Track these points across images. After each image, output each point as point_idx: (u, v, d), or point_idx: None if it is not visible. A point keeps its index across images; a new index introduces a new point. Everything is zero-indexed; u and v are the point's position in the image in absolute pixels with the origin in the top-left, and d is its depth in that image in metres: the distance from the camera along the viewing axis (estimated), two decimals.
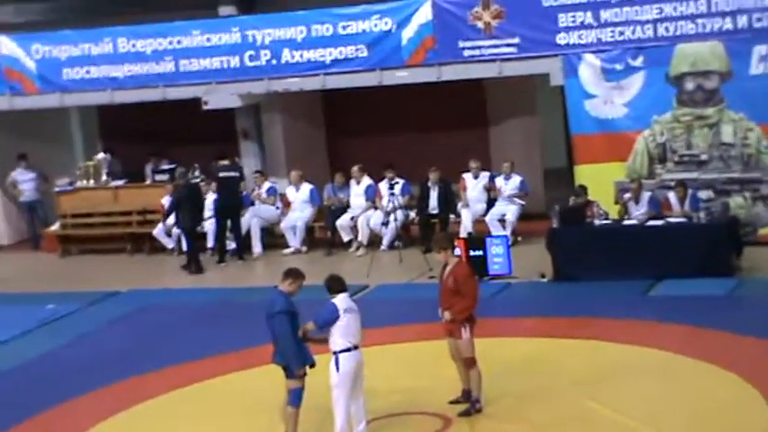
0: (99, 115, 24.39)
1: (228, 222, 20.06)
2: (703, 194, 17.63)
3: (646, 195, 17.25)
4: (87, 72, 21.75)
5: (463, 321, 11.28)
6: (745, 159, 17.67)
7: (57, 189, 22.46)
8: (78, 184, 22.52)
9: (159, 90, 21.33)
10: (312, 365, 10.81)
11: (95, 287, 18.91)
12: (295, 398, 10.81)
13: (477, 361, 11.38)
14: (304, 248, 20.29)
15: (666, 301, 14.96)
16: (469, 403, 11.40)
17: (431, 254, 17.74)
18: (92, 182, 22.38)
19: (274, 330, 10.72)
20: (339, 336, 10.59)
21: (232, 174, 20.12)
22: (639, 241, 16.17)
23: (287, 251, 20.25)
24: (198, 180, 20.70)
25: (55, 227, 22.50)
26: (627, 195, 17.36)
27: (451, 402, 11.58)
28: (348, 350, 10.59)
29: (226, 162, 20.27)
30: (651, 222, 16.48)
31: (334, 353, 10.61)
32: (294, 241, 20.31)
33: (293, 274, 10.90)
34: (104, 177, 22.39)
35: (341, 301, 10.70)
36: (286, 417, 10.90)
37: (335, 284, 10.83)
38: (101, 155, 22.77)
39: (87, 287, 18.95)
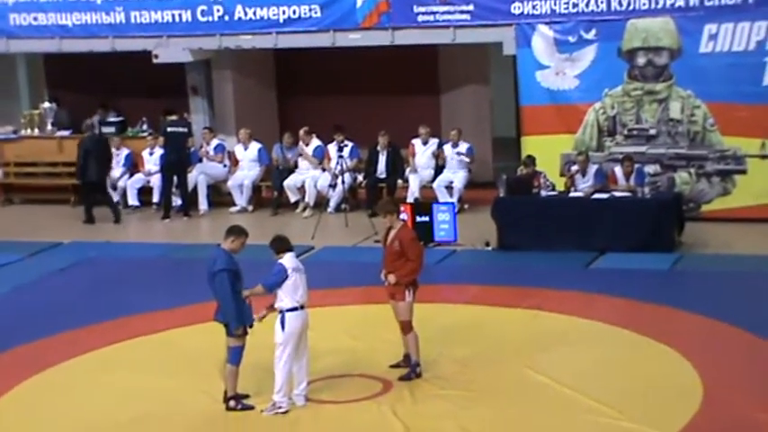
0: (46, 64, 24.07)
1: (175, 178, 19.93)
2: (650, 169, 17.80)
3: (592, 168, 17.36)
4: (35, 19, 21.45)
5: (407, 285, 11.32)
6: (692, 136, 17.84)
7: (0, 137, 22.18)
8: (22, 132, 22.26)
9: (109, 41, 21.09)
10: (251, 326, 10.80)
11: (37, 238, 18.74)
12: (234, 356, 10.81)
13: (414, 325, 11.43)
14: (250, 207, 20.25)
15: (608, 274, 15.10)
16: (409, 368, 11.46)
17: (377, 218, 17.80)
18: (36, 131, 22.14)
19: (215, 289, 10.70)
20: (286, 295, 10.60)
21: (180, 129, 19.99)
22: (584, 214, 16.28)
23: (233, 209, 20.20)
24: (112, 132, 20.87)
25: None
26: (574, 168, 17.46)
27: (392, 366, 11.64)
28: (295, 309, 10.60)
29: (174, 117, 20.13)
30: (596, 196, 16.60)
31: (281, 311, 10.62)
32: (240, 200, 20.26)
33: (235, 232, 10.85)
34: (49, 127, 22.15)
35: (288, 260, 10.69)
36: (225, 374, 10.90)
37: (281, 244, 10.83)
38: (46, 104, 22.52)
39: (29, 237, 18.79)
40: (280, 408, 10.66)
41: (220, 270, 10.63)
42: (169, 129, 19.93)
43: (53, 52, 21.93)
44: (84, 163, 19.80)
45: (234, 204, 20.28)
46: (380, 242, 11.85)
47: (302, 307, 10.66)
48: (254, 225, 19.36)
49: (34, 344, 13.17)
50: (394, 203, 12.19)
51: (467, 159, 19.19)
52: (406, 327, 11.43)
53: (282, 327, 10.61)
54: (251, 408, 10.91)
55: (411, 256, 11.27)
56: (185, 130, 20.12)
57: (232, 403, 10.90)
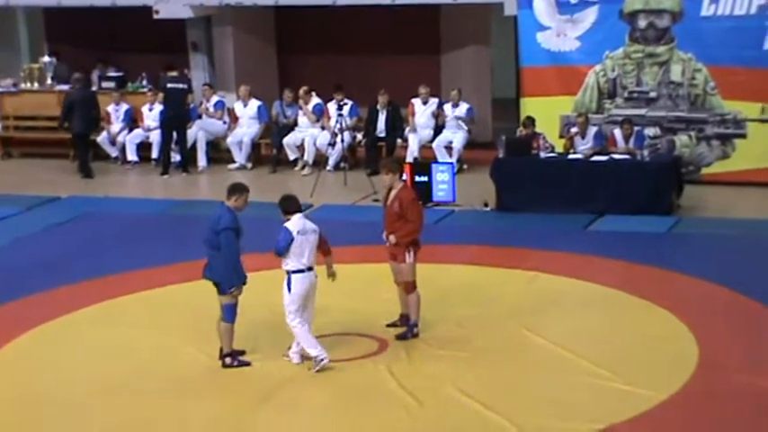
0: (46, 17, 23.99)
1: (174, 135, 19.91)
2: (650, 131, 17.79)
3: (592, 130, 17.35)
4: None
5: (408, 246, 11.33)
6: (692, 99, 17.81)
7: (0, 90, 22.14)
8: (22, 86, 22.20)
9: None
10: (245, 283, 10.81)
11: (35, 191, 18.75)
12: (229, 313, 10.84)
13: (418, 286, 11.46)
14: (249, 165, 20.23)
15: (606, 237, 15.13)
16: (407, 327, 11.50)
17: (376, 176, 17.82)
18: (36, 85, 22.08)
19: (218, 245, 10.67)
20: (292, 257, 10.57)
21: (180, 86, 19.93)
22: (583, 176, 16.28)
23: (232, 166, 20.18)
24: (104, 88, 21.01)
25: None
26: (573, 129, 17.44)
27: (389, 326, 11.67)
28: (301, 271, 10.57)
29: (174, 74, 20.07)
30: (595, 158, 16.60)
31: (287, 272, 10.61)
32: (239, 157, 20.24)
33: (239, 190, 10.82)
34: (49, 81, 22.09)
35: (294, 223, 10.64)
36: (221, 332, 10.93)
37: (289, 205, 10.78)
38: (46, 58, 22.43)
39: (27, 191, 18.79)
40: (322, 360, 10.62)
41: (225, 228, 10.63)
42: (169, 85, 19.87)
43: (53, 6, 21.82)
44: (70, 114, 19.87)
45: (233, 161, 20.27)
46: (381, 202, 11.85)
47: (309, 269, 10.62)
48: (252, 182, 19.35)
49: (31, 298, 13.20)
50: (397, 162, 12.17)
51: (464, 127, 19.14)
52: (410, 287, 11.46)
53: (289, 288, 10.61)
54: (247, 364, 10.95)
55: (411, 217, 11.27)
56: (185, 86, 20.06)
57: (228, 360, 10.94)
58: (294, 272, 10.59)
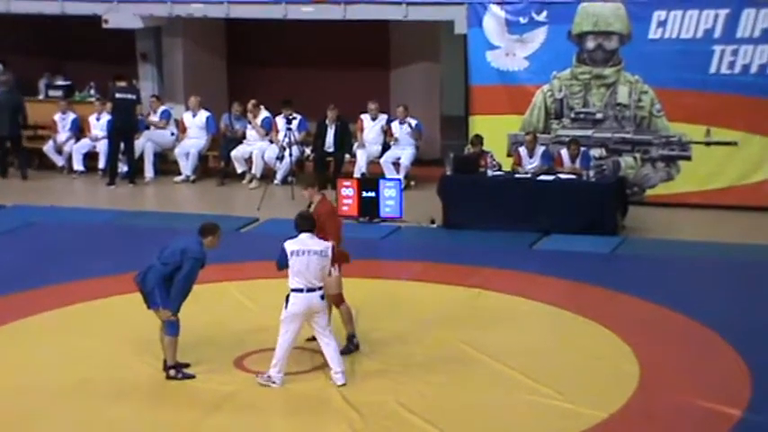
0: None
1: (122, 145, 19.81)
2: (596, 152, 17.96)
3: (540, 149, 17.49)
4: None
5: (333, 260, 11.33)
6: (638, 121, 18.00)
7: None
8: None
9: (58, 4, 20.87)
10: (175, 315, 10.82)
11: None
12: (172, 328, 10.85)
13: (345, 298, 11.48)
14: (193, 176, 20.08)
15: (551, 255, 15.24)
16: (347, 340, 11.51)
17: (324, 191, 17.83)
18: None
19: (174, 265, 10.67)
20: (291, 275, 10.53)
21: (128, 96, 19.86)
22: (529, 195, 16.40)
23: (178, 178, 20.11)
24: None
25: None
26: (521, 148, 17.57)
27: (308, 340, 11.52)
28: (300, 291, 10.49)
29: (123, 84, 19.98)
30: (542, 177, 16.72)
31: (290, 289, 10.56)
32: (185, 168, 20.15)
33: (211, 231, 10.90)
34: None
35: (293, 242, 10.56)
36: (165, 344, 10.90)
37: (301, 224, 10.70)
38: None
39: None
40: (274, 382, 10.61)
41: (195, 258, 10.69)
42: (117, 95, 19.78)
43: (1, 12, 21.64)
44: None
45: (180, 173, 20.18)
46: None
47: (310, 290, 10.50)
48: (200, 194, 19.37)
49: None
50: (314, 178, 12.25)
51: (413, 140, 19.18)
52: (338, 300, 11.49)
53: (286, 305, 10.56)
54: (192, 376, 10.93)
55: (329, 230, 11.23)
56: (134, 97, 19.99)
57: (172, 372, 10.91)
58: (293, 290, 10.52)
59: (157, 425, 10.02)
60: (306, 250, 10.53)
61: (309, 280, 10.49)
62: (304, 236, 10.62)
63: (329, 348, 10.72)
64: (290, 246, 10.56)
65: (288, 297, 10.56)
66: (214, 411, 10.25)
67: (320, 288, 10.57)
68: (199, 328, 11.20)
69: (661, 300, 13.05)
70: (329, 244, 10.73)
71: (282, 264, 10.56)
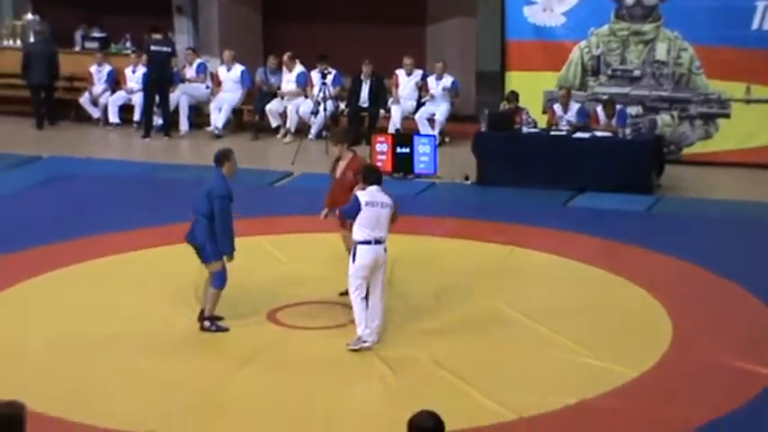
0: None
1: (157, 98, 19.83)
2: (633, 110, 17.81)
3: (575, 106, 17.37)
4: None
5: None
6: (677, 78, 17.82)
7: None
8: (4, 43, 22.05)
9: None
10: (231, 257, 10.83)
11: (16, 150, 18.66)
12: (218, 280, 10.88)
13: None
14: (223, 131, 19.97)
15: (585, 213, 15.17)
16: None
17: (357, 146, 17.79)
18: (18, 42, 21.93)
19: (207, 212, 10.68)
20: (358, 227, 10.43)
21: (164, 48, 19.84)
22: (564, 152, 16.30)
23: (213, 130, 20.05)
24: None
25: None
26: (556, 105, 17.45)
27: (341, 294, 11.58)
28: (368, 243, 10.39)
29: (158, 36, 19.96)
30: (577, 135, 16.61)
31: (355, 242, 10.48)
32: (217, 121, 20.11)
33: (227, 156, 10.88)
34: (32, 39, 21.94)
35: (366, 193, 10.48)
36: (207, 295, 10.95)
37: (370, 176, 10.61)
38: (29, 16, 22.28)
39: (8, 149, 18.69)
40: (365, 342, 10.47)
41: (221, 196, 10.67)
42: (153, 47, 19.77)
43: None
44: (28, 67, 20.27)
45: (214, 126, 20.14)
46: (329, 174, 11.85)
47: (377, 242, 10.43)
48: (234, 148, 19.30)
49: (10, 257, 13.17)
50: (346, 134, 12.20)
51: (449, 98, 19.09)
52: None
53: (353, 258, 10.46)
54: (225, 329, 10.97)
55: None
56: (169, 49, 19.97)
57: (207, 324, 10.96)
58: (361, 242, 10.42)
59: (189, 377, 10.08)
60: (378, 202, 10.47)
61: (378, 232, 10.43)
62: (373, 188, 10.52)
63: (378, 305, 10.58)
64: (362, 196, 10.46)
65: (354, 251, 10.45)
66: (246, 364, 10.30)
67: (384, 241, 10.48)
68: (232, 281, 11.21)
69: (695, 259, 12.98)
70: (393, 200, 10.63)
71: (353, 214, 10.45)
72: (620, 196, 15.64)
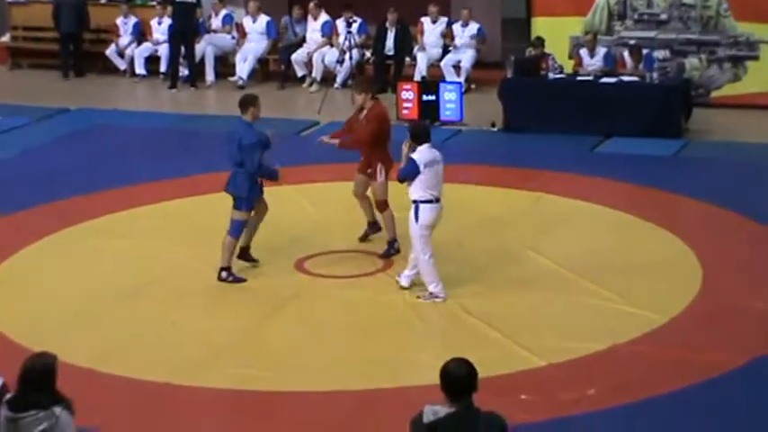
0: None
1: (182, 49, 19.81)
2: (660, 54, 17.66)
3: (601, 50, 17.25)
4: None
5: (379, 165, 11.40)
6: (705, 21, 17.65)
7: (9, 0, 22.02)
8: None
9: None
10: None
11: (44, 103, 18.72)
12: (236, 229, 10.92)
13: (390, 203, 11.52)
14: (247, 81, 19.89)
15: (613, 159, 15.10)
16: (387, 245, 11.62)
17: (383, 94, 17.80)
18: None
19: (240, 161, 10.73)
20: (420, 187, 10.32)
21: None
22: (591, 97, 16.20)
23: (237, 80, 20.01)
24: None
25: (5, 38, 22.10)
26: (583, 50, 17.33)
27: (361, 239, 11.79)
28: (429, 201, 10.34)
29: None
30: (604, 80, 16.51)
31: (414, 202, 10.38)
32: (242, 71, 20.04)
33: (250, 102, 10.88)
34: None
35: (421, 153, 10.36)
36: (224, 247, 11.00)
37: (421, 135, 10.50)
38: None
39: (36, 102, 18.76)
40: (437, 297, 10.45)
41: (249, 144, 10.69)
42: None
43: None
44: (58, 14, 20.46)
45: (240, 76, 20.09)
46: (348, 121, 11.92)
47: (437, 200, 10.37)
48: (261, 98, 19.36)
49: (39, 208, 13.27)
50: (368, 83, 12.19)
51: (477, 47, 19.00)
52: (382, 206, 11.57)
53: (416, 218, 10.36)
54: (243, 280, 11.03)
55: (360, 132, 11.37)
56: (194, 0, 19.91)
57: (224, 274, 11.01)
58: (422, 201, 10.35)
59: (219, 327, 10.16)
60: (436, 160, 10.39)
61: (438, 190, 10.37)
62: (426, 146, 10.39)
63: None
64: (421, 158, 10.31)
65: (417, 210, 10.33)
66: (275, 313, 10.38)
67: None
68: (260, 231, 11.27)
69: (724, 203, 12.93)
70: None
71: (411, 176, 10.29)
72: (647, 141, 15.56)
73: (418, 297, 10.51)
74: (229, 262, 11.01)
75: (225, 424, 8.71)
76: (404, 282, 10.73)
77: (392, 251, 11.57)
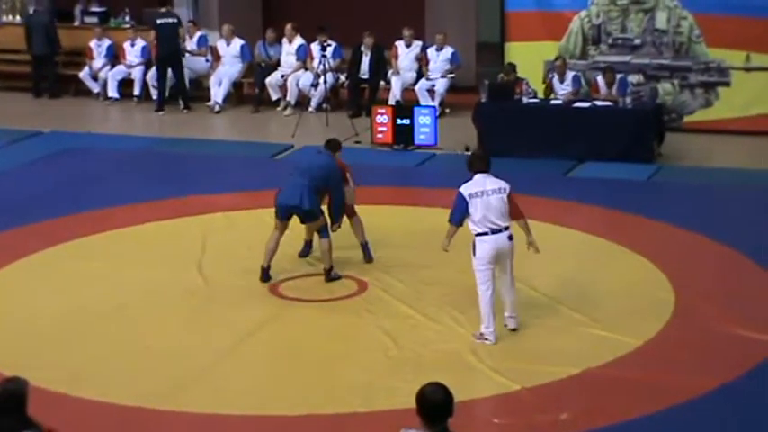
0: None
1: (170, 72, 19.75)
2: (634, 79, 17.76)
3: (570, 74, 17.35)
4: None
5: (350, 170, 11.94)
6: (677, 47, 17.78)
7: None
8: (3, 18, 22.00)
9: None
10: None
11: (17, 126, 18.64)
12: (325, 231, 11.49)
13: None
14: (222, 105, 19.85)
15: (586, 183, 15.17)
16: (361, 247, 12.03)
17: (358, 118, 17.86)
18: (18, 18, 21.88)
19: (322, 188, 11.37)
20: (472, 222, 10.09)
21: (170, 20, 19.72)
22: (565, 122, 16.28)
23: (215, 107, 19.94)
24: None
25: None
26: (552, 75, 17.43)
27: (300, 256, 12.09)
28: (484, 234, 10.02)
29: (162, 9, 19.90)
30: (577, 104, 16.59)
31: (475, 235, 10.12)
32: (217, 96, 20.00)
33: (340, 145, 11.86)
34: (31, 11, 21.83)
35: (468, 185, 10.14)
36: (324, 249, 11.47)
37: (476, 164, 10.34)
38: None
39: (9, 125, 18.68)
40: (487, 339, 10.14)
41: (340, 179, 11.54)
42: (159, 20, 19.65)
43: None
44: (29, 37, 20.64)
45: (214, 101, 20.05)
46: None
47: (494, 231, 9.99)
48: (234, 121, 19.38)
49: (12, 231, 13.20)
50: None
51: (451, 75, 19.08)
52: (350, 211, 11.94)
53: (473, 252, 10.14)
54: (339, 277, 11.54)
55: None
56: (175, 20, 19.86)
57: (333, 273, 11.49)
58: (477, 234, 10.05)
59: (193, 351, 10.12)
60: (486, 190, 10.11)
61: (493, 221, 10.06)
62: (479, 176, 10.21)
63: (510, 293, 10.36)
64: (466, 189, 10.11)
65: (474, 244, 10.11)
66: (249, 337, 10.34)
67: (507, 228, 10.08)
68: (235, 254, 11.25)
69: (697, 227, 12.99)
70: (506, 184, 10.33)
71: (461, 215, 10.05)
72: (620, 165, 15.63)
73: (473, 334, 10.24)
74: (331, 262, 11.43)
75: None
76: (512, 324, 10.40)
77: (367, 257, 11.98)
